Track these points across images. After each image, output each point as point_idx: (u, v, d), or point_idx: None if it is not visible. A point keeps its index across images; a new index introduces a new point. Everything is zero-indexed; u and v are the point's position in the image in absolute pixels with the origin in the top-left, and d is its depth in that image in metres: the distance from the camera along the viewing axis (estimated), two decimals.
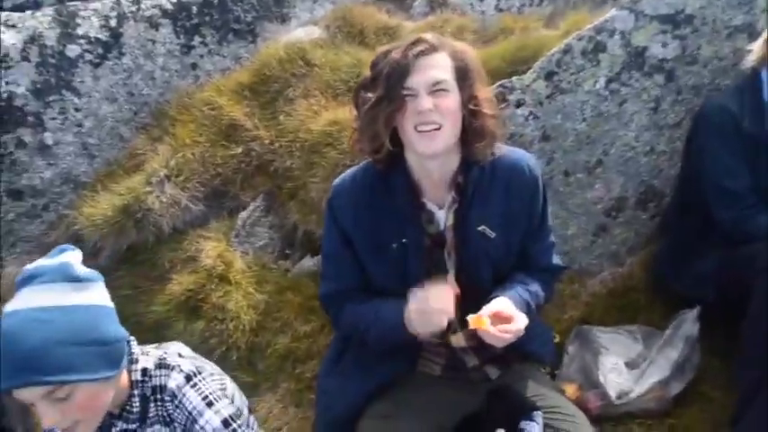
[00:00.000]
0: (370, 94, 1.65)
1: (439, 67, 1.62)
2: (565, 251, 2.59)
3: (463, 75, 1.66)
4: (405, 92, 1.60)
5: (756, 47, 2.28)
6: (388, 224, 1.72)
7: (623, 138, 2.53)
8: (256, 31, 3.19)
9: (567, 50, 2.51)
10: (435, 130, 1.61)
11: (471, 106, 1.67)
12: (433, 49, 1.62)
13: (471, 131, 1.68)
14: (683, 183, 2.43)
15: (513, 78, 2.53)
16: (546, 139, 2.53)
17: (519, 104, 2.52)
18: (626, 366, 2.12)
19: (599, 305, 2.53)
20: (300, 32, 3.18)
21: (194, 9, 3.12)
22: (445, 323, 1.58)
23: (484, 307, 1.60)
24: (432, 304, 1.58)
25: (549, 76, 2.51)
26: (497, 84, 2.52)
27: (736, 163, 2.20)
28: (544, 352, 1.94)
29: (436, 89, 1.60)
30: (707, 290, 2.23)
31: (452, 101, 1.62)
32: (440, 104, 1.60)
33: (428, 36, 1.66)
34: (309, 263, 2.47)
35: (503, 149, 1.78)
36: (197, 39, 3.10)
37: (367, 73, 1.71)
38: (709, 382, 2.25)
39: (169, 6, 3.10)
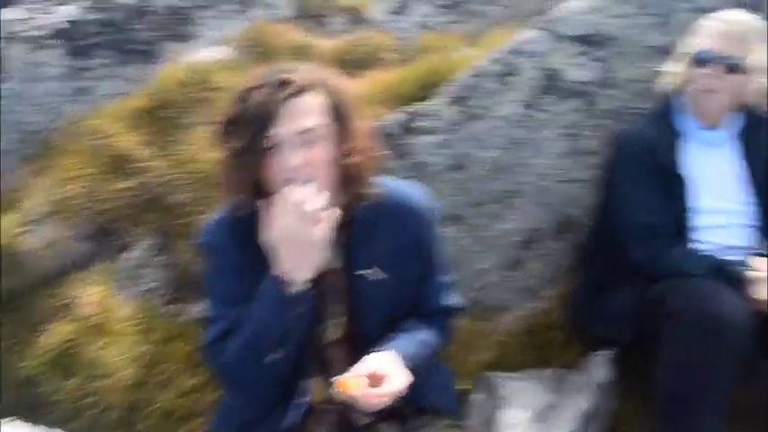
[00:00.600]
0: (231, 139, 1.46)
1: (310, 113, 1.44)
2: (478, 287, 2.44)
3: (339, 113, 1.48)
4: (270, 142, 1.42)
5: (668, 71, 2.15)
6: (267, 269, 1.54)
7: (539, 166, 2.39)
8: (157, 51, 2.97)
9: (478, 74, 2.36)
10: (301, 170, 1.43)
11: (347, 146, 1.49)
12: (302, 89, 1.44)
13: (348, 174, 1.51)
14: (599, 214, 2.29)
15: (421, 104, 2.37)
16: (457, 168, 2.37)
17: (427, 132, 2.35)
18: (533, 418, 1.96)
19: (514, 344, 2.37)
20: (206, 53, 2.98)
21: (91, 28, 2.90)
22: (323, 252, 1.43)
23: (356, 366, 1.44)
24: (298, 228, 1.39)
25: (459, 101, 2.35)
26: (403, 110, 2.36)
27: (651, 196, 2.07)
28: (444, 403, 1.77)
29: (307, 138, 1.43)
30: (623, 329, 2.09)
31: (325, 150, 1.46)
32: (311, 156, 1.43)
33: (297, 74, 1.46)
34: (201, 307, 2.27)
35: (391, 185, 1.62)
36: (91, 60, 2.88)
37: (231, 108, 1.52)
38: (627, 427, 2.12)
39: (63, 25, 2.87)
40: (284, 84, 1.43)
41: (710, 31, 2.05)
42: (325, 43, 3.19)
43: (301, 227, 1.40)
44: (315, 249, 1.42)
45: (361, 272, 1.57)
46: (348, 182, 1.51)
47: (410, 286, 1.65)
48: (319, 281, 1.54)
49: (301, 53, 3.06)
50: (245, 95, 1.46)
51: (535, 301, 2.48)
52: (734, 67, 2.01)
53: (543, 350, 2.35)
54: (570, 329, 2.36)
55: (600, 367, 2.04)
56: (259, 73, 1.50)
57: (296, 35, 3.17)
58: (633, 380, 2.12)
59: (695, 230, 2.07)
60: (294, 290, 1.44)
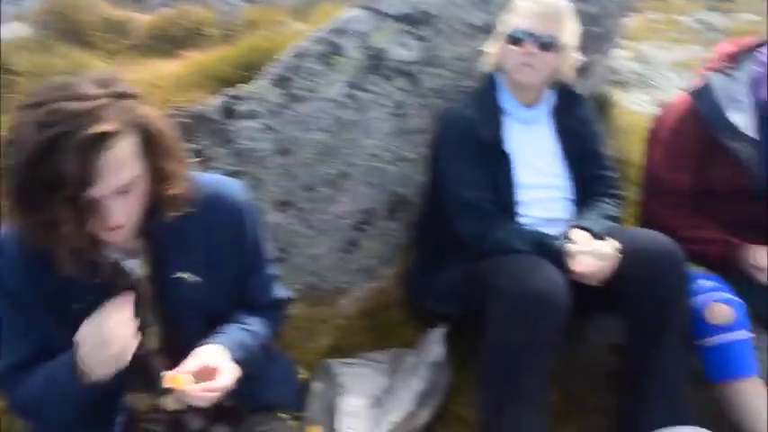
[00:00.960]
0: (24, 197, 1.26)
1: (125, 164, 1.27)
2: (314, 271, 2.40)
3: (152, 147, 1.33)
4: (79, 204, 1.25)
5: (489, 50, 2.18)
6: (66, 281, 1.39)
7: (367, 147, 2.36)
8: None
9: (300, 54, 2.28)
10: (119, 228, 1.33)
11: (161, 174, 1.37)
12: (112, 136, 1.24)
13: (161, 197, 1.39)
14: (429, 192, 2.31)
15: (242, 86, 2.26)
16: (282, 152, 2.29)
17: (249, 116, 2.24)
18: (370, 404, 1.96)
19: (353, 327, 2.36)
20: (2, 31, 2.65)
21: None
22: (128, 355, 1.34)
23: (186, 360, 1.39)
24: (108, 331, 1.33)
25: (281, 82, 2.26)
26: (223, 93, 2.23)
27: (476, 174, 2.11)
28: (283, 396, 1.74)
29: (124, 190, 1.29)
30: (453, 306, 2.14)
31: (140, 193, 1.34)
32: (128, 204, 1.32)
33: (102, 112, 1.24)
34: None
35: (204, 181, 1.52)
36: None
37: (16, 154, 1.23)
38: (463, 401, 2.17)
39: None
40: (86, 128, 1.21)
41: (525, 11, 2.09)
42: (141, 18, 2.96)
43: (109, 332, 1.33)
44: (120, 355, 1.34)
45: (173, 276, 1.49)
46: (160, 203, 1.41)
47: (231, 284, 1.59)
48: (129, 291, 1.46)
49: (113, 30, 2.82)
50: (34, 142, 1.21)
51: (373, 281, 2.48)
52: (547, 45, 2.08)
53: (382, 330, 2.36)
54: (407, 307, 2.39)
55: (434, 344, 2.07)
56: (42, 97, 1.24)
57: (106, 9, 2.90)
58: (466, 355, 2.18)
59: (519, 205, 2.14)
60: (90, 380, 1.36)
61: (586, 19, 2.61)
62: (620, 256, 1.87)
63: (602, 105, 3.01)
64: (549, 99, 2.22)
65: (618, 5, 2.77)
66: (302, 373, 2.15)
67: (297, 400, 1.86)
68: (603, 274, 1.88)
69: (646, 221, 2.28)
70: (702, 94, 2.16)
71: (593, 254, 1.88)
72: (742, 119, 2.10)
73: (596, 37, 2.74)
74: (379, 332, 2.35)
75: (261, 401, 1.64)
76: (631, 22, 8.86)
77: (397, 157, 2.40)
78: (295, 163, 2.31)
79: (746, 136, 2.08)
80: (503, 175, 2.14)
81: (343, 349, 2.30)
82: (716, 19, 8.53)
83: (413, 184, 2.44)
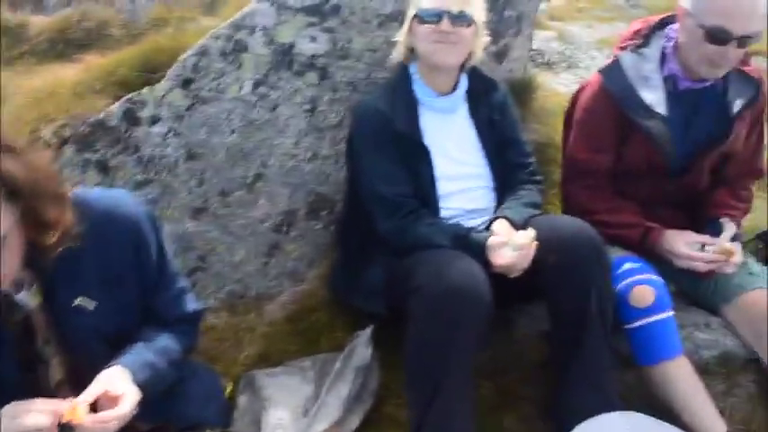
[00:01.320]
0: None
1: None
2: (237, 278, 2.31)
3: (20, 197, 1.24)
4: None
5: (401, 39, 2.12)
6: None
7: (281, 146, 2.28)
8: None
9: (203, 53, 2.18)
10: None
11: (36, 217, 1.28)
12: None
13: (39, 239, 1.31)
14: (349, 189, 2.24)
15: (144, 90, 2.14)
16: (192, 157, 2.19)
17: (154, 121, 2.13)
18: (298, 415, 1.89)
19: (280, 334, 2.28)
20: None
21: None
22: None
23: (88, 388, 1.31)
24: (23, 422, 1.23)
25: (185, 84, 2.16)
26: (124, 99, 2.11)
27: (393, 168, 2.04)
28: (209, 413, 1.66)
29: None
30: (378, 304, 2.08)
31: (17, 242, 1.27)
32: (7, 256, 1.25)
33: None
34: None
35: (92, 199, 1.42)
36: None
37: None
38: (395, 402, 2.11)
39: None
40: None
41: None
42: (40, 21, 2.79)
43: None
44: None
45: (67, 303, 1.40)
46: (42, 243, 1.31)
47: (134, 303, 1.51)
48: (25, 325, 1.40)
49: (10, 35, 2.66)
50: None
51: (298, 284, 2.41)
52: (461, 20, 2.00)
53: (311, 334, 2.29)
54: (335, 308, 2.32)
55: (360, 347, 2.01)
56: None
57: (3, 14, 2.73)
58: (396, 354, 2.12)
59: (439, 198, 2.09)
60: None
61: (500, 3, 2.59)
62: (535, 245, 1.84)
63: (525, 89, 2.99)
64: (463, 86, 2.17)
65: None
66: (228, 387, 2.08)
67: (223, 417, 1.78)
68: (522, 264, 1.85)
69: (566, 204, 2.26)
70: (612, 73, 2.14)
71: (510, 245, 1.84)
72: (653, 96, 2.09)
73: (511, 20, 2.71)
74: (307, 337, 2.28)
75: (186, 420, 1.58)
76: (557, 2, 8.97)
77: (314, 155, 2.33)
78: (207, 167, 2.21)
79: (658, 113, 2.07)
80: (421, 168, 2.08)
81: (272, 357, 2.23)
82: None
83: (333, 181, 2.38)
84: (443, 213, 2.10)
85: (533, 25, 3.27)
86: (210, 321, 2.29)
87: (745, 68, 2.15)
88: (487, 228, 2.01)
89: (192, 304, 1.66)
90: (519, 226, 1.97)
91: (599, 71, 2.21)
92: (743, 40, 1.94)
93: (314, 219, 2.39)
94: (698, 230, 2.17)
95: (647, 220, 2.22)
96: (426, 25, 2.01)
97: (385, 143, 2.05)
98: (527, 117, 3.05)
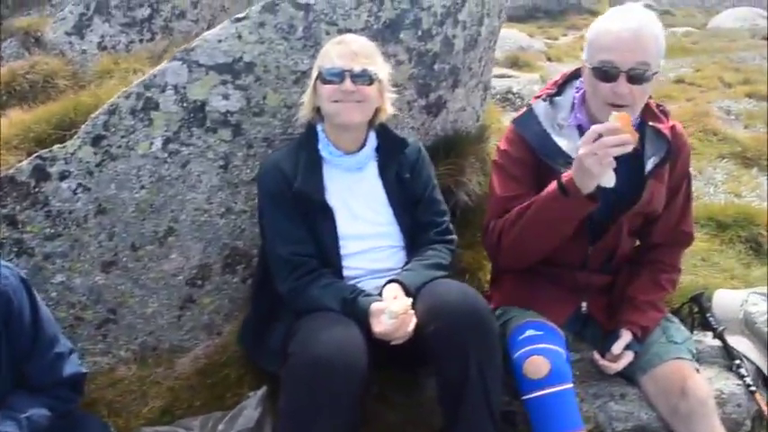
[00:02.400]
0: None
1: None
2: (149, 331, 2.33)
3: None
4: None
5: (306, 99, 2.13)
6: None
7: (193, 201, 2.30)
8: None
9: (113, 111, 2.21)
10: None
11: None
12: None
13: None
14: (262, 244, 2.25)
15: (54, 147, 2.19)
16: (102, 212, 2.22)
17: (63, 177, 2.18)
18: None
19: (187, 388, 2.29)
20: None
21: None
22: None
23: None
24: None
25: (96, 141, 2.20)
26: (35, 155, 2.16)
27: (292, 227, 2.06)
28: None
29: None
30: (277, 364, 2.06)
31: None
32: None
33: None
34: None
35: None
36: None
37: None
38: None
39: None
40: None
41: (334, 52, 2.04)
42: None
43: None
44: None
45: None
46: None
47: (4, 372, 1.56)
48: None
49: None
50: None
51: (214, 337, 2.42)
52: (363, 78, 2.01)
53: (218, 389, 2.30)
54: (245, 364, 2.32)
55: (248, 409, 2.00)
56: None
57: None
58: None
59: (342, 257, 2.09)
60: None
61: (428, 56, 2.60)
62: (411, 313, 1.82)
63: (475, 139, 2.98)
64: (371, 144, 2.17)
65: (464, 40, 2.73)
66: None
67: None
68: (400, 332, 1.83)
69: (484, 239, 2.20)
70: (526, 121, 2.13)
71: (386, 312, 1.82)
72: (568, 143, 2.06)
73: (443, 73, 2.71)
74: (214, 392, 2.28)
75: None
76: (565, 40, 8.92)
77: (227, 210, 2.35)
78: (116, 222, 2.24)
79: (572, 158, 2.04)
80: (323, 227, 2.08)
81: (175, 412, 2.24)
82: None
83: (248, 236, 2.39)
84: (347, 273, 2.09)
85: (488, 73, 3.28)
86: (119, 373, 2.31)
87: (660, 125, 2.10)
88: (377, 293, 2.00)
89: (70, 368, 1.68)
90: (410, 291, 1.95)
91: (512, 121, 2.20)
92: (633, 74, 1.91)
93: (230, 273, 2.41)
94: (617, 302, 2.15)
95: (571, 285, 2.18)
96: (329, 85, 2.02)
97: (284, 202, 2.06)
98: (474, 168, 3.04)
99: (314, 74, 2.08)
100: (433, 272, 2.06)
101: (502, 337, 2.10)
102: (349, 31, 2.40)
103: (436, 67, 2.66)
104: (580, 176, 1.86)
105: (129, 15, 3.17)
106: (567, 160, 2.01)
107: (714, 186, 4.08)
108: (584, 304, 2.21)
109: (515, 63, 6.00)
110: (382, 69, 2.09)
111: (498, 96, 4.88)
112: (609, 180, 1.82)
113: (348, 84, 2.00)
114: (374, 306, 1.87)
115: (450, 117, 2.93)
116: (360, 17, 2.46)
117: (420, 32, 2.57)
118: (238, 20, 2.28)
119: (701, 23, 11.14)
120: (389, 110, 2.17)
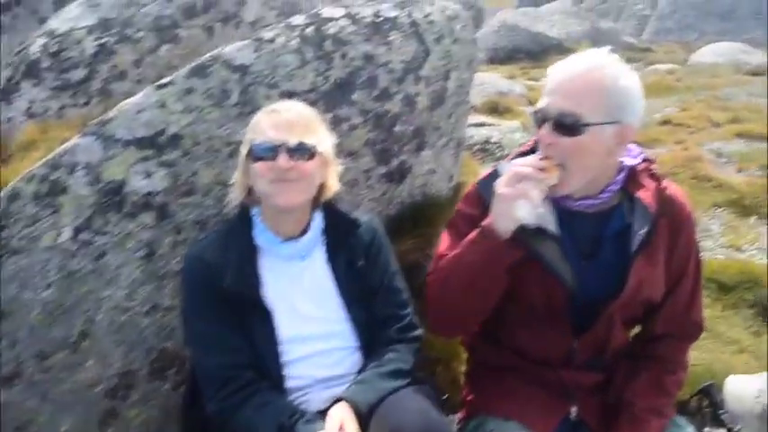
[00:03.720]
0: None
1: None
2: None
3: None
4: None
5: (237, 178, 1.81)
6: None
7: (111, 298, 1.96)
8: None
9: (14, 197, 1.88)
10: None
11: None
12: None
13: None
14: None
15: None
16: (1, 316, 1.87)
17: None
18: None
19: None
20: None
21: None
22: None
23: None
24: None
25: None
26: None
27: (220, 333, 1.72)
28: None
29: None
30: None
31: None
32: None
33: None
34: None
35: None
36: None
37: None
38: None
39: None
40: None
41: (267, 123, 1.73)
42: None
43: None
44: None
45: None
46: None
47: None
48: None
49: None
50: None
51: None
52: (301, 153, 1.71)
53: None
54: None
55: None
56: None
57: None
58: None
59: (283, 365, 1.75)
60: None
61: (385, 119, 2.30)
62: None
63: (448, 203, 2.67)
64: (317, 227, 1.85)
65: (428, 98, 2.44)
66: None
67: None
68: None
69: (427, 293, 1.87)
70: (489, 183, 1.79)
71: None
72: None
73: (406, 135, 2.41)
74: None
75: None
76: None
77: (153, 307, 2.00)
78: (19, 327, 1.89)
79: (548, 232, 1.71)
80: (260, 330, 1.75)
81: None
82: None
83: (180, 335, 2.03)
84: (290, 384, 1.76)
85: (460, 129, 2.99)
86: None
87: (642, 193, 1.76)
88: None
89: None
90: (361, 412, 1.61)
91: (477, 181, 1.90)
92: (557, 122, 1.62)
93: (159, 379, 2.05)
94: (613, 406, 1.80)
95: (557, 387, 1.84)
96: (261, 162, 1.71)
97: (210, 302, 1.73)
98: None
99: (243, 150, 1.76)
100: (390, 383, 1.73)
101: None
102: (293, 94, 2.12)
103: (397, 129, 2.37)
104: (496, 215, 1.62)
105: (61, 78, 2.85)
106: (537, 232, 1.69)
107: (712, 239, 3.78)
108: (573, 409, 1.86)
109: (495, 109, 5.74)
110: (324, 140, 1.78)
111: (477, 147, 4.60)
112: (529, 216, 1.57)
113: (283, 160, 1.69)
114: None
115: (417, 182, 2.62)
116: (305, 78, 2.18)
117: (376, 92, 2.28)
118: (161, 86, 1.98)
119: (683, 59, 11.01)
120: (335, 186, 1.85)
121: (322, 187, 1.82)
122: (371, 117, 2.25)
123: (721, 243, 3.71)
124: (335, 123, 2.19)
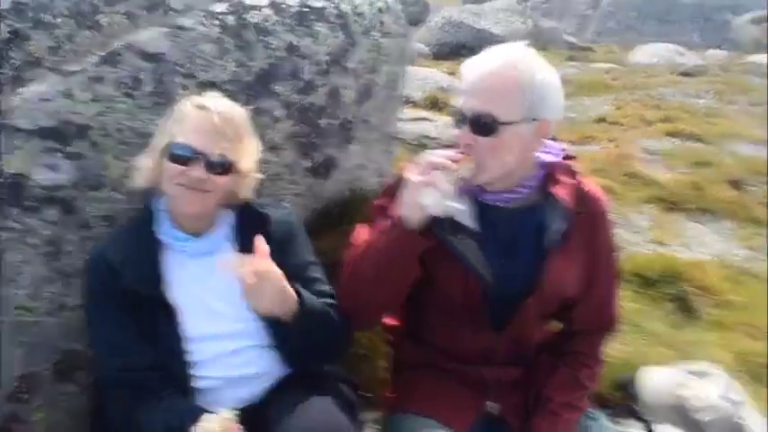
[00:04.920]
0: None
1: None
2: None
3: None
4: None
5: (146, 164, 1.74)
6: None
7: (14, 298, 1.85)
8: None
9: None
10: None
11: None
12: None
13: None
14: None
15: None
16: None
17: None
18: None
19: None
20: None
21: None
22: None
23: None
24: None
25: None
26: None
27: (120, 334, 1.67)
28: None
29: None
30: None
31: None
32: None
33: None
34: None
35: None
36: None
37: None
38: None
39: None
40: None
41: (193, 122, 1.66)
42: None
43: None
44: None
45: None
46: None
47: None
48: None
49: None
50: None
51: None
52: (218, 168, 1.66)
53: None
54: None
55: None
56: None
57: None
58: None
59: (191, 365, 1.69)
60: None
61: (311, 112, 2.24)
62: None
63: (360, 204, 2.63)
64: (226, 222, 1.79)
65: (356, 91, 2.40)
66: None
67: None
68: None
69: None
70: None
71: None
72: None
73: (332, 129, 2.36)
74: None
75: None
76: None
77: (60, 307, 1.90)
78: None
79: (464, 227, 1.70)
80: (164, 330, 1.69)
81: None
82: (568, 71, 8.56)
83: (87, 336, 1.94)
84: (199, 384, 1.70)
85: (392, 123, 2.95)
86: None
87: (559, 190, 1.75)
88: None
89: None
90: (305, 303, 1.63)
91: (394, 176, 1.87)
92: (473, 123, 1.61)
93: (65, 381, 1.95)
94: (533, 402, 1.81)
95: (477, 383, 1.83)
96: (176, 165, 1.64)
97: (111, 302, 1.67)
98: None
99: (161, 140, 1.69)
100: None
101: None
102: (211, 84, 2.04)
103: (322, 122, 2.31)
104: (404, 204, 1.59)
105: None
106: (454, 226, 1.67)
107: (639, 234, 3.86)
108: (489, 404, 1.85)
109: (434, 104, 5.74)
110: (249, 156, 1.73)
111: (415, 142, 4.58)
112: (435, 205, 1.54)
113: (198, 171, 1.63)
114: None
115: (344, 177, 2.58)
116: (225, 68, 2.11)
117: (301, 84, 2.22)
118: (68, 74, 1.88)
119: (621, 59, 11.27)
120: (247, 194, 1.79)
121: (235, 192, 1.76)
122: (295, 110, 2.20)
123: (648, 238, 3.79)
124: (257, 116, 2.11)
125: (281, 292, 1.57)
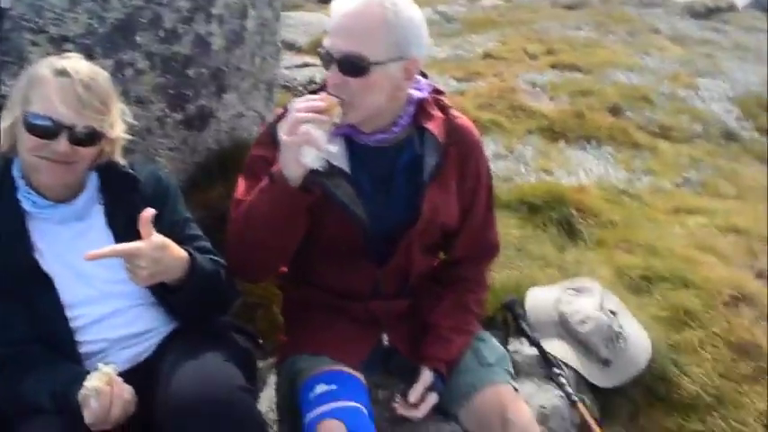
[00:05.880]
0: None
1: None
2: None
3: None
4: None
5: (2, 125, 1.62)
6: None
7: None
8: None
9: None
10: None
11: None
12: None
13: None
14: None
15: None
16: None
17: None
18: None
19: None
20: None
21: None
22: None
23: None
24: None
25: None
26: None
27: None
28: None
29: None
30: None
31: None
32: None
33: None
34: None
35: None
36: None
37: None
38: None
39: None
40: None
41: (53, 91, 1.54)
42: None
43: None
44: None
45: None
46: None
47: None
48: None
49: None
50: None
51: None
52: (83, 140, 1.57)
53: None
54: None
55: None
56: None
57: None
58: None
59: (75, 332, 1.64)
60: None
61: (177, 62, 2.16)
62: (118, 384, 1.48)
63: (241, 153, 2.58)
64: (92, 186, 1.71)
65: (224, 38, 2.32)
66: None
67: None
68: (115, 410, 1.46)
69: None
70: (281, 123, 1.74)
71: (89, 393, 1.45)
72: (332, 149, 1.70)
73: (202, 79, 2.29)
74: None
75: None
76: None
77: None
78: None
79: (338, 168, 1.70)
80: (40, 298, 1.62)
81: None
82: (456, 9, 8.61)
83: None
84: (85, 349, 1.65)
85: (270, 70, 2.89)
86: None
87: (430, 124, 1.77)
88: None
89: None
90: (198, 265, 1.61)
91: (268, 124, 1.84)
92: (342, 64, 1.59)
93: None
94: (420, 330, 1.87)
95: (367, 317, 1.87)
96: (35, 137, 1.54)
97: None
98: None
99: (16, 106, 1.58)
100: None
101: (292, 397, 1.77)
102: (65, 39, 1.92)
103: (190, 72, 2.23)
104: (283, 163, 1.57)
105: None
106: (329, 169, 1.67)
107: (525, 164, 3.99)
108: (384, 336, 1.90)
109: None
110: (117, 121, 1.64)
111: (300, 89, 4.51)
112: (314, 160, 1.53)
113: (63, 145, 1.54)
114: (82, 391, 1.46)
115: (223, 127, 2.51)
116: (78, 20, 1.98)
117: (162, 33, 2.13)
118: None
119: None
120: (115, 155, 1.72)
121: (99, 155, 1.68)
122: (159, 61, 2.11)
123: (533, 167, 3.92)
124: (118, 69, 2.03)
125: (163, 272, 1.54)
